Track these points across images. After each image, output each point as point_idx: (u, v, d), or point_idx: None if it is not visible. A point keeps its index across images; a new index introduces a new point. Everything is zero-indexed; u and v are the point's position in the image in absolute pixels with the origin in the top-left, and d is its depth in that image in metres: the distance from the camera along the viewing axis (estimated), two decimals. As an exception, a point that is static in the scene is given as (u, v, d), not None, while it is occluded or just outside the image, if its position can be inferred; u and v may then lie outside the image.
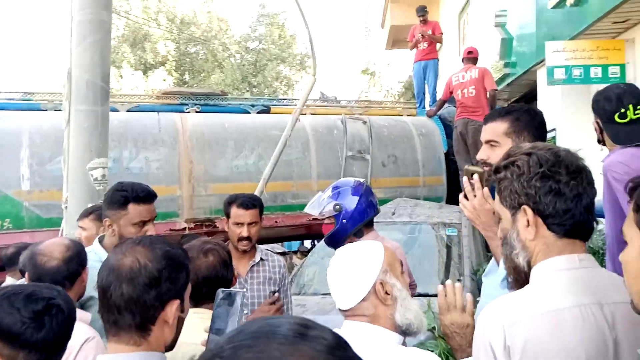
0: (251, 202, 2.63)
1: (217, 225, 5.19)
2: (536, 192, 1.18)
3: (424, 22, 7.84)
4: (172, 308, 1.17)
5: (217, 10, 21.34)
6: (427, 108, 7.22)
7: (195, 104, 5.85)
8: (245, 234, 2.56)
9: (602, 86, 5.14)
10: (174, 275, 1.18)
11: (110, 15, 3.43)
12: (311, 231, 5.72)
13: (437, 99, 7.40)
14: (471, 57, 6.26)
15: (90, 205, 2.93)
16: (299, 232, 5.76)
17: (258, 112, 6.01)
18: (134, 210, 2.16)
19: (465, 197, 1.60)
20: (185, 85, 19.26)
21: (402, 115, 6.54)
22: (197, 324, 1.60)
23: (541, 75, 6.40)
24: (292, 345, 0.52)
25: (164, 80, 18.62)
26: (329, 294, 4.35)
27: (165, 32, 19.91)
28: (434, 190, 6.07)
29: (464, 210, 1.62)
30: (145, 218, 2.19)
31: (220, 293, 1.37)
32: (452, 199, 6.12)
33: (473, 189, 1.59)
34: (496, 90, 6.22)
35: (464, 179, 1.64)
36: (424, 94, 7.86)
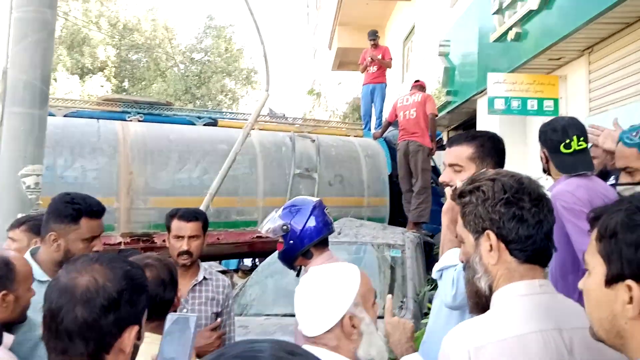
0: (193, 215, 2.52)
1: (156, 241, 4.97)
2: (500, 218, 1.21)
3: (375, 46, 8.04)
4: (131, 334, 1.06)
5: (163, 18, 20.88)
6: (373, 130, 7.36)
7: (139, 113, 5.63)
8: (185, 247, 2.43)
9: (537, 118, 5.49)
10: (134, 297, 1.08)
11: (55, 15, 3.23)
12: (254, 249, 5.61)
13: (383, 121, 7.58)
14: (418, 85, 6.49)
15: (20, 215, 2.70)
16: (242, 249, 5.63)
17: (205, 125, 5.87)
18: (87, 225, 1.98)
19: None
20: (125, 93, 18.58)
21: (349, 136, 6.62)
22: (142, 349, 1.48)
23: (481, 105, 6.72)
24: None
25: (102, 86, 17.90)
26: (273, 314, 4.23)
27: (107, 36, 19.18)
28: (377, 211, 6.15)
29: (448, 198, 1.71)
30: (95, 233, 2.03)
31: (171, 317, 1.25)
32: (394, 221, 6.23)
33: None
34: (436, 115, 6.43)
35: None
36: (370, 116, 8.02)
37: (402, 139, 6.03)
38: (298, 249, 2.29)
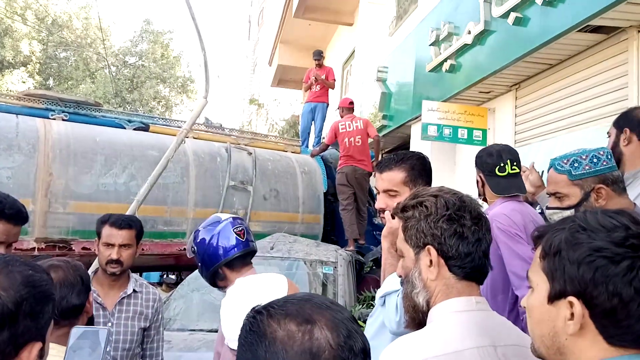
0: (126, 222, 2.39)
1: (74, 248, 4.63)
2: (442, 234, 1.22)
3: (319, 66, 8.14)
4: (31, 353, 0.87)
5: (96, 18, 19.98)
6: (311, 147, 7.39)
7: (63, 111, 5.28)
8: (114, 256, 2.29)
9: (466, 147, 5.75)
10: (36, 308, 0.89)
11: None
12: (180, 262, 5.37)
13: (321, 141, 7.64)
14: (352, 108, 6.60)
15: None
16: (168, 262, 5.38)
17: (135, 129, 5.60)
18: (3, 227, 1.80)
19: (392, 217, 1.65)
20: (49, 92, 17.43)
21: (286, 151, 6.58)
22: None
23: (415, 130, 6.96)
24: (319, 308, 0.75)
25: (24, 82, 16.74)
26: (198, 329, 4.05)
27: (32, 30, 18.02)
28: (310, 228, 6.13)
29: (387, 223, 1.69)
30: (4, 240, 1.83)
31: (76, 332, 1.10)
32: (327, 239, 6.24)
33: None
34: (379, 136, 6.61)
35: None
36: (308, 133, 8.06)
37: (347, 164, 6.06)
38: (207, 270, 2.18)
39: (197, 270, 4.41)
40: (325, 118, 8.20)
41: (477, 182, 2.25)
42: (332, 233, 6.60)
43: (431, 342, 1.15)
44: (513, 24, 4.41)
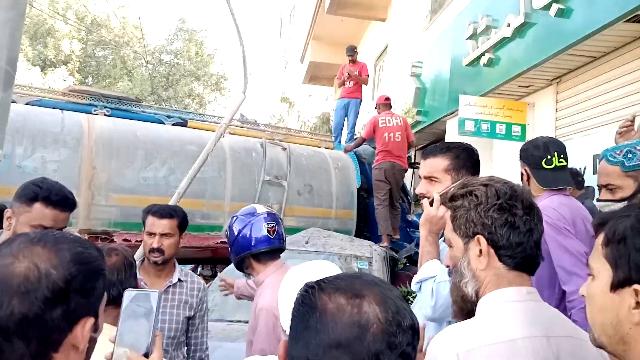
0: (167, 212, 2.43)
1: (115, 240, 4.77)
2: (492, 223, 1.20)
3: (353, 62, 8.11)
4: (84, 328, 0.88)
5: (133, 17, 20.47)
6: (344, 144, 7.38)
7: (105, 107, 5.43)
8: (155, 245, 2.34)
9: (504, 142, 5.64)
10: (88, 285, 0.89)
11: (28, -6, 3.09)
12: (217, 255, 5.46)
13: (355, 136, 7.62)
14: (389, 104, 6.53)
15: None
16: (205, 254, 5.47)
17: (174, 124, 5.72)
18: (38, 212, 1.88)
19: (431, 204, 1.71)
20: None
21: (319, 147, 6.60)
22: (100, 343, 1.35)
23: (450, 126, 6.87)
24: (368, 285, 0.77)
25: (64, 80, 17.30)
26: (235, 320, 4.13)
27: (73, 30, 18.60)
28: (344, 223, 6.13)
29: (425, 210, 1.71)
30: (46, 224, 1.90)
31: (129, 294, 1.11)
32: (359, 234, 6.24)
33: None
34: (414, 141, 6.63)
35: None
36: (341, 129, 8.06)
37: (386, 159, 6.01)
38: (235, 255, 2.27)
39: (232, 264, 4.51)
40: (358, 114, 8.18)
41: (522, 175, 2.20)
42: (365, 229, 6.58)
43: (482, 330, 1.14)
44: (555, 16, 4.31)
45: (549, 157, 2.08)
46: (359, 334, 0.72)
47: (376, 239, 5.91)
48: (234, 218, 2.32)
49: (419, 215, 7.21)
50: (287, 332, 1.32)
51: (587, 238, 1.92)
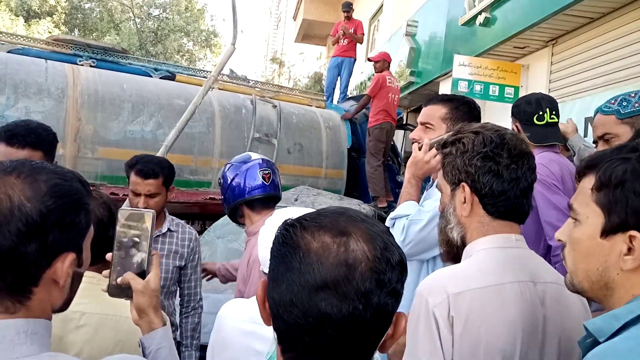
0: (152, 170, 2.28)
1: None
2: (475, 171, 1.20)
3: (348, 18, 7.90)
4: (64, 264, 0.84)
5: (121, -33, 19.67)
6: (335, 103, 7.29)
7: (91, 58, 5.27)
8: (141, 205, 2.23)
9: (497, 104, 5.60)
10: (66, 219, 0.84)
11: None
12: (206, 211, 5.45)
13: (348, 95, 7.50)
14: (389, 63, 6.30)
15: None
16: (193, 210, 5.46)
17: (161, 78, 5.59)
18: (2, 151, 1.83)
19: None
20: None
21: (311, 106, 6.51)
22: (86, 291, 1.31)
23: (443, 87, 6.80)
24: (354, 221, 0.73)
25: (50, 32, 16.73)
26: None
27: (57, -21, 17.90)
28: (333, 183, 6.13)
29: (413, 153, 1.74)
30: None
31: (122, 214, 1.08)
32: (349, 194, 6.24)
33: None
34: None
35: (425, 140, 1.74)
36: (333, 88, 7.95)
37: (387, 120, 5.86)
38: (228, 204, 2.24)
39: (223, 218, 4.49)
40: (352, 73, 8.04)
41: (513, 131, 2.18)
42: (355, 189, 6.59)
43: (471, 274, 1.16)
44: (555, -26, 4.20)
45: (540, 113, 2.06)
46: (346, 274, 0.67)
47: (366, 200, 5.92)
48: (228, 165, 2.27)
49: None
50: (267, 272, 1.32)
51: (575, 195, 1.93)
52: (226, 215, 3.21)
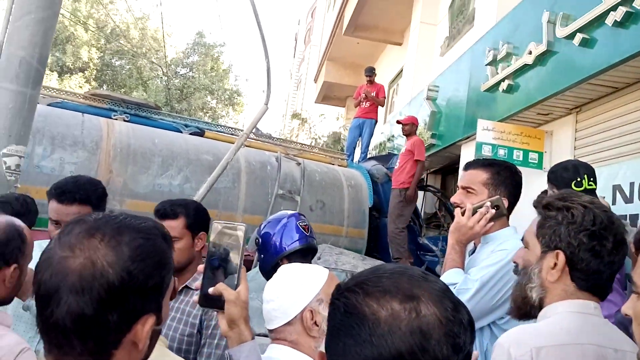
0: (170, 210, 2.03)
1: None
2: (578, 245, 1.22)
3: (371, 82, 8.17)
4: (145, 327, 0.81)
5: (152, 29, 20.81)
6: (356, 162, 7.39)
7: (125, 112, 5.48)
8: None
9: (521, 169, 5.62)
10: (149, 283, 0.81)
11: (63, -4, 3.14)
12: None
13: (369, 156, 7.63)
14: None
15: (-2, 194, 2.53)
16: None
17: (191, 134, 5.76)
18: (52, 208, 1.94)
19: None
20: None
21: (333, 164, 6.60)
22: None
23: (465, 150, 6.86)
24: (417, 281, 0.70)
25: (81, 87, 17.51)
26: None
27: (92, 38, 18.91)
28: (354, 242, 6.09)
29: (456, 219, 1.74)
30: (54, 218, 1.95)
31: (217, 226, 1.13)
32: (369, 254, 6.18)
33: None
34: None
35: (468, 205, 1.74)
36: (354, 148, 8.08)
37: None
38: (269, 262, 2.21)
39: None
40: (372, 134, 8.20)
41: (551, 197, 2.18)
42: (375, 250, 6.53)
43: (554, 332, 1.17)
44: (579, 45, 4.32)
45: (579, 179, 2.07)
46: (421, 342, 0.64)
47: (387, 261, 5.85)
48: (264, 224, 2.27)
49: (429, 239, 7.15)
50: (268, 329, 1.30)
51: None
52: (248, 272, 3.16)
